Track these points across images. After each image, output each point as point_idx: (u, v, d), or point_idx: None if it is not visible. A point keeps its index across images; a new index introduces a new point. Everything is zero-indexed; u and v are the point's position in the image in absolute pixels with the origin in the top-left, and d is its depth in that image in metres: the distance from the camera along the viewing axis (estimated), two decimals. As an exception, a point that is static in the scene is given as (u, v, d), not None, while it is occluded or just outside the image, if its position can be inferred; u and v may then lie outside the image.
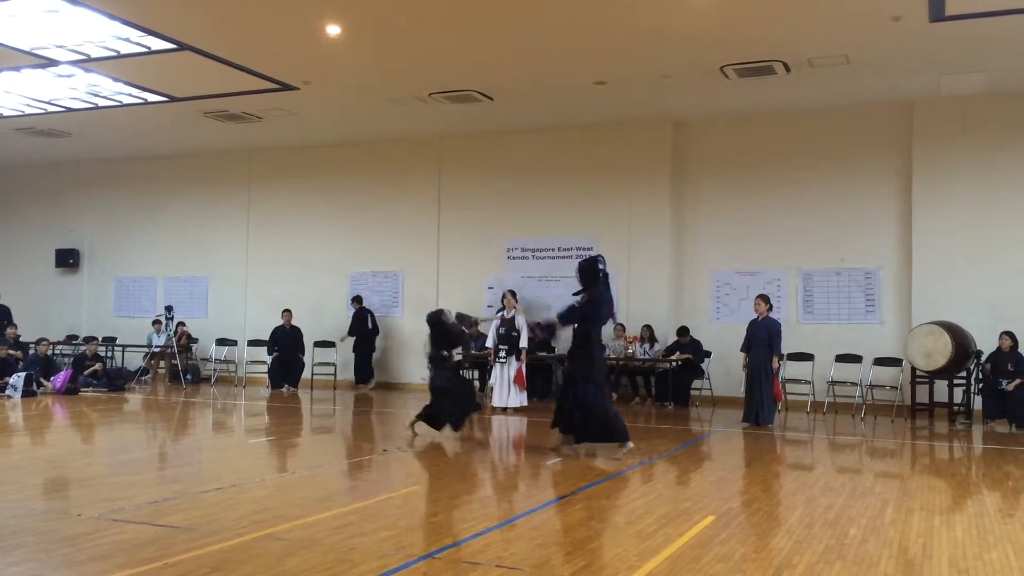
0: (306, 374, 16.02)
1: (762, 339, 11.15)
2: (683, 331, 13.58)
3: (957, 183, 12.69)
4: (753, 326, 11.36)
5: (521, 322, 12.50)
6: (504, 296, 12.91)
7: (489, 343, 12.78)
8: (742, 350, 11.54)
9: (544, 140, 15.09)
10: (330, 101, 13.50)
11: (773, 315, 11.59)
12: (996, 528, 5.76)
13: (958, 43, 10.42)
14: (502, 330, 12.50)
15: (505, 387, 12.43)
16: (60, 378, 14.21)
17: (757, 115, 13.82)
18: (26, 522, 5.46)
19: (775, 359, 11.11)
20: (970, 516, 6.21)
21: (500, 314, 12.72)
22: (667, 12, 9.60)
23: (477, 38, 10.60)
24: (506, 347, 12.37)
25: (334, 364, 16.12)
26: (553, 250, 15.10)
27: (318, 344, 16.34)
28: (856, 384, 12.92)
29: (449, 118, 14.25)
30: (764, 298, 11.45)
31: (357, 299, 16.03)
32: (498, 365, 12.43)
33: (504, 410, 12.26)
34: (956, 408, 11.96)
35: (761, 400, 11.06)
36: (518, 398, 12.45)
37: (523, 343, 12.44)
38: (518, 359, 12.43)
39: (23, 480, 6.99)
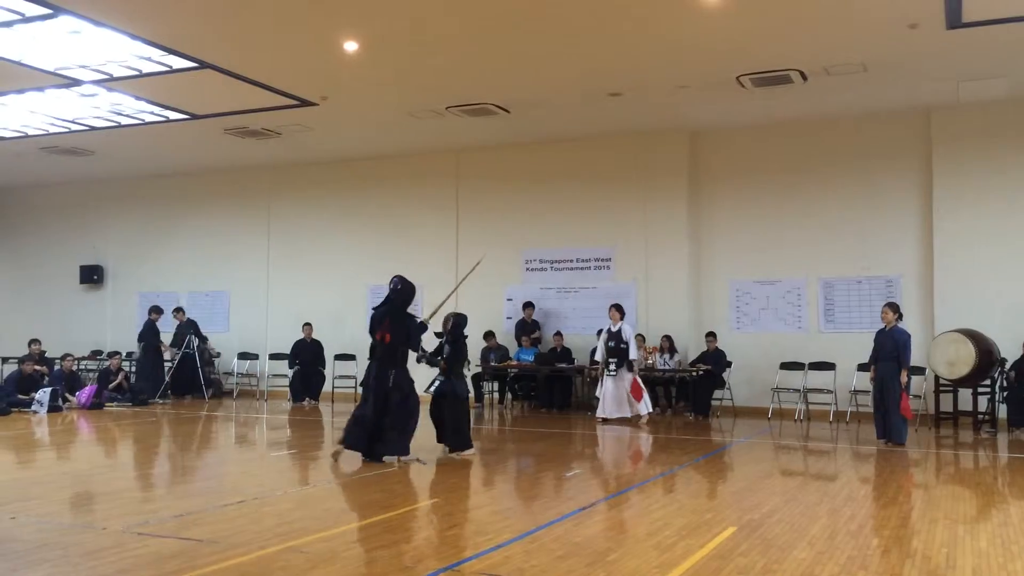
0: (327, 387, 16.10)
1: (889, 351, 10.43)
2: (711, 335, 13.57)
3: (978, 189, 12.59)
4: (880, 336, 10.64)
5: (629, 334, 12.65)
6: (609, 310, 13.01)
7: (598, 356, 13.00)
8: (869, 362, 10.89)
9: (561, 152, 15.12)
10: (348, 116, 13.62)
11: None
12: (1021, 538, 5.70)
13: (976, 49, 10.36)
14: (611, 343, 12.66)
15: (612, 400, 12.59)
16: (85, 393, 14.37)
17: (774, 124, 13.79)
18: (52, 536, 5.54)
19: (903, 372, 10.30)
20: (995, 526, 6.15)
21: (607, 328, 12.86)
22: (682, 22, 9.62)
23: (493, 52, 10.66)
24: (615, 359, 12.57)
25: (354, 377, 16.19)
26: (571, 261, 15.11)
27: (339, 357, 16.42)
28: (879, 393, 12.80)
29: (466, 131, 14.33)
30: (892, 306, 10.65)
31: (180, 310, 16.71)
32: (608, 378, 12.63)
33: (605, 420, 12.47)
34: (981, 417, 11.84)
35: (890, 417, 10.34)
36: (638, 407, 12.54)
37: (632, 355, 12.61)
38: (629, 370, 12.54)
39: (49, 495, 7.08)
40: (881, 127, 13.29)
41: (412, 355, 8.98)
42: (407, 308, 9.03)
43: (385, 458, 8.62)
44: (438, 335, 9.32)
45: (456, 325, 9.39)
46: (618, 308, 12.91)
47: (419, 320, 9.15)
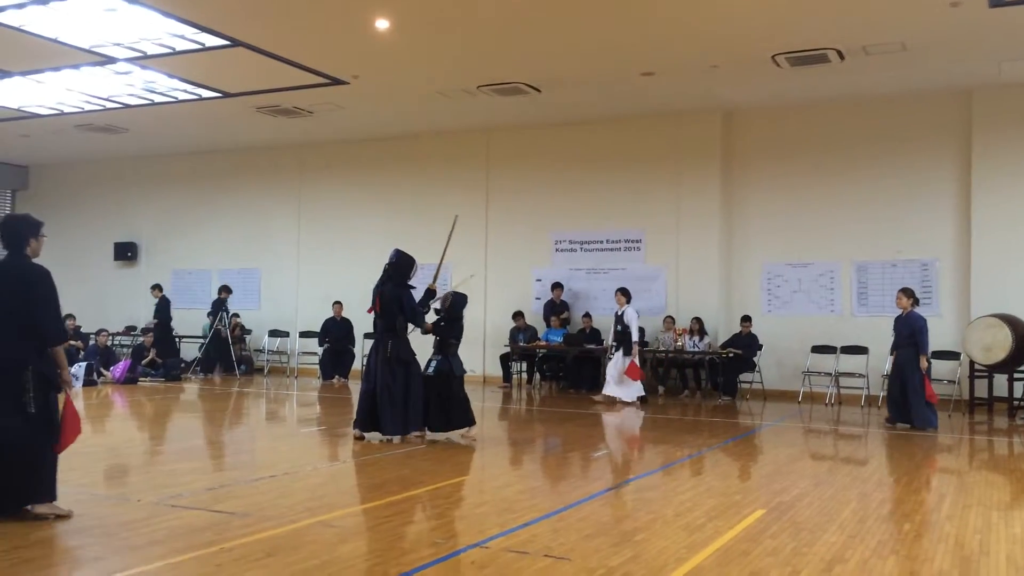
0: (356, 365, 16.21)
1: (906, 336, 10.31)
2: (747, 319, 13.45)
3: (1018, 172, 12.32)
4: (897, 322, 10.57)
5: (632, 318, 12.66)
6: (616, 293, 13.02)
7: (609, 339, 13.08)
8: (892, 349, 10.75)
9: (592, 132, 15.02)
10: (379, 95, 13.61)
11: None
12: (1057, 525, 5.62)
13: (1019, 28, 10.10)
14: (617, 327, 12.77)
15: (613, 380, 12.64)
16: (119, 368, 14.61)
17: (810, 104, 13.58)
18: (88, 507, 5.64)
19: (923, 358, 10.20)
20: (1030, 513, 6.06)
21: (615, 311, 12.92)
22: (716, 0, 9.48)
23: (524, 30, 10.58)
24: (615, 343, 12.71)
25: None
26: (601, 242, 15.04)
27: (368, 335, 16.50)
28: (912, 378, 12.64)
29: (497, 110, 14.27)
30: (907, 291, 10.54)
31: (157, 287, 16.74)
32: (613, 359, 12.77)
33: (614, 402, 12.46)
34: (1016, 403, 11.65)
35: (910, 402, 10.21)
36: (630, 391, 12.53)
37: (635, 337, 12.63)
38: (626, 353, 12.54)
39: (84, 467, 7.20)
40: (919, 107, 13.03)
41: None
42: (406, 281, 8.88)
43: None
44: (436, 312, 9.28)
45: (455, 304, 9.20)
46: (624, 292, 12.95)
47: (428, 287, 9.04)
